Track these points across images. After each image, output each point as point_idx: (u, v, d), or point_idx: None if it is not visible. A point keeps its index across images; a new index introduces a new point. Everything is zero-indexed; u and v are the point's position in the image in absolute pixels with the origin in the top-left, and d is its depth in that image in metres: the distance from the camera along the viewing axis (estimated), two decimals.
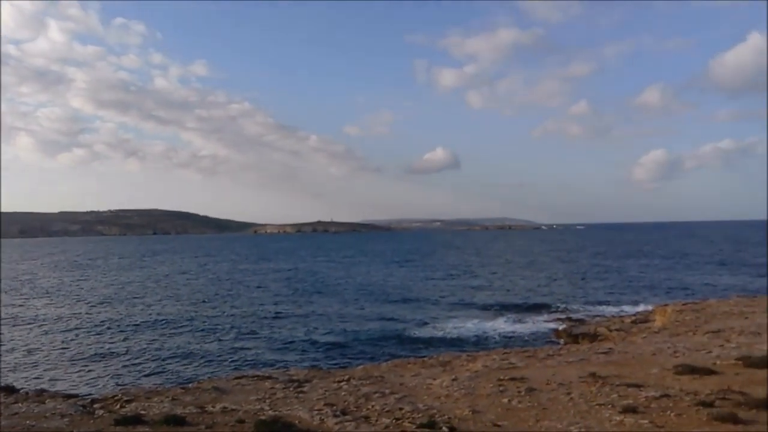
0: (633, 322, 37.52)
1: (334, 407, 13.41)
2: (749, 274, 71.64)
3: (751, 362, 16.68)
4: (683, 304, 33.78)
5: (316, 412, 13.04)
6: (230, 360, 31.25)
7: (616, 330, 34.35)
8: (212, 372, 27.71)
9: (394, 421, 12.11)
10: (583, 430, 11.11)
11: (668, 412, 11.92)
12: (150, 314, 47.38)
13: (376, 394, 14.76)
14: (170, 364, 30.63)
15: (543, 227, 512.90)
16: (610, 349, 21.32)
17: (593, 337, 33.80)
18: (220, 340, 36.68)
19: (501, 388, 14.95)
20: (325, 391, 15.56)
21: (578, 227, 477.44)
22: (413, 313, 46.41)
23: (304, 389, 15.88)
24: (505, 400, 13.66)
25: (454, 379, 16.43)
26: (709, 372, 15.93)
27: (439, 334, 38.22)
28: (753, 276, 68.70)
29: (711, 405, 12.14)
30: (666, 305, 35.81)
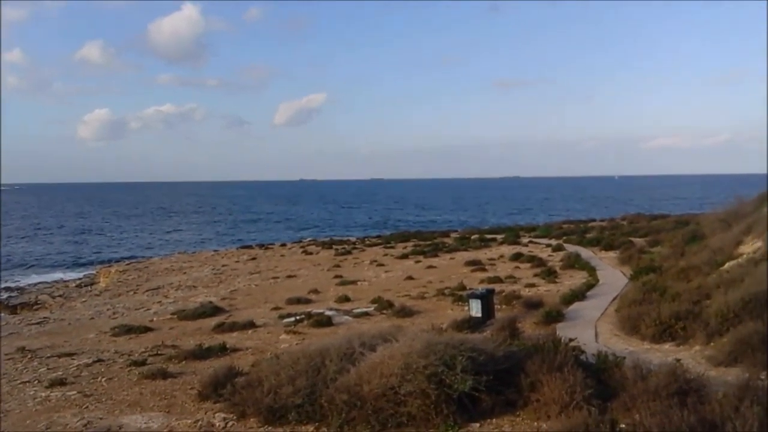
0: (78, 286, 36.13)
1: None
2: (194, 231, 77.65)
3: (184, 315, 17.64)
4: (127, 264, 34.14)
5: None
6: None
7: (59, 296, 32.47)
8: None
9: None
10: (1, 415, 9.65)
11: (99, 378, 11.39)
12: None
13: None
14: None
15: None
16: (45, 318, 19.76)
17: (33, 306, 31.19)
18: None
19: None
20: None
21: (16, 188, 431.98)
22: None
23: None
24: None
25: None
26: (145, 330, 16.13)
27: None
28: (195, 233, 74.64)
29: (143, 363, 12.14)
30: (110, 266, 35.62)
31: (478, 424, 7.60)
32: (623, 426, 6.62)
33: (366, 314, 16.90)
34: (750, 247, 16.14)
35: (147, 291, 23.88)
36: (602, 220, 50.16)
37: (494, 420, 7.66)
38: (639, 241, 29.02)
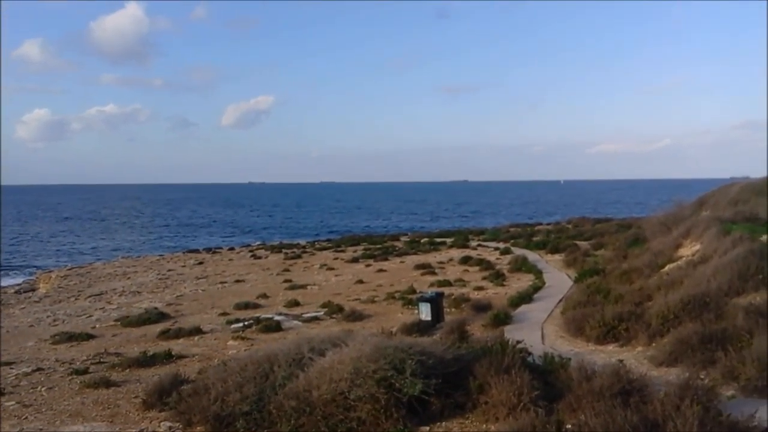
0: (16, 292, 34.83)
1: None
2: (137, 235, 75.74)
3: (128, 322, 17.19)
4: (69, 269, 33.08)
5: None
6: None
7: None
8: None
9: None
10: None
11: (39, 387, 10.98)
12: None
13: None
14: None
15: None
16: None
17: None
18: None
19: None
20: None
21: None
22: None
23: None
24: None
25: None
26: (87, 337, 15.67)
27: None
28: (141, 237, 72.85)
29: (85, 372, 11.78)
30: (51, 271, 34.47)
31: (427, 428, 7.63)
32: (569, 426, 6.74)
33: (316, 319, 16.80)
34: (689, 250, 16.71)
35: (89, 297, 23.20)
36: (548, 224, 51.12)
37: (444, 423, 7.71)
38: (583, 244, 29.69)
